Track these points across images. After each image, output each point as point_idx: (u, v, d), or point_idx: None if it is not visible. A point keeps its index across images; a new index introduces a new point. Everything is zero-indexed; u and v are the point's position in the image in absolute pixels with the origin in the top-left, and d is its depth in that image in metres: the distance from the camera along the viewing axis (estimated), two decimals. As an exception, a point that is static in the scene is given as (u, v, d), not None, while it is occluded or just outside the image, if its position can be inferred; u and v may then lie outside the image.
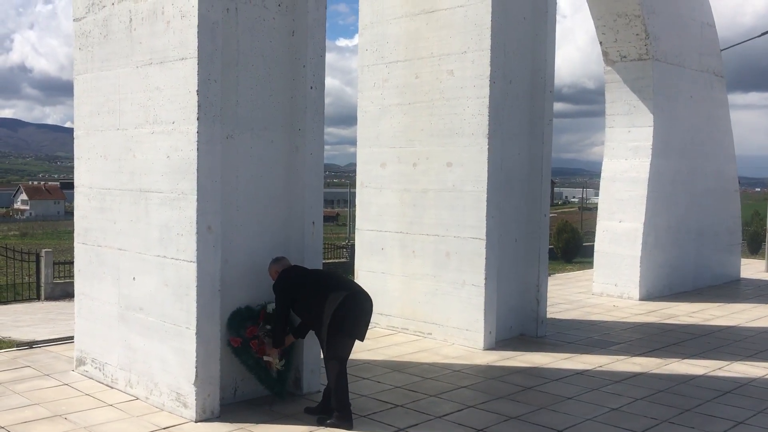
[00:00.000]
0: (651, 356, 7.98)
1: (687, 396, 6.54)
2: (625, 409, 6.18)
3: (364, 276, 9.33)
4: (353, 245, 11.44)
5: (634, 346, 8.51)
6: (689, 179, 12.72)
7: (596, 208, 13.80)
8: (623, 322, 10.00)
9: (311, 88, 6.29)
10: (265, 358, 5.97)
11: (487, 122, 8.05)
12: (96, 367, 6.66)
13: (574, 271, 16.29)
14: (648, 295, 11.83)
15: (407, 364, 7.53)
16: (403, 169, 8.89)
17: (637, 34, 11.74)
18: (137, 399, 6.13)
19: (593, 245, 12.71)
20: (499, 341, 8.40)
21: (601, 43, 12.19)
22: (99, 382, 6.58)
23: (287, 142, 6.33)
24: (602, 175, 12.52)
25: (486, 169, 8.08)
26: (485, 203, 8.09)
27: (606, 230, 12.27)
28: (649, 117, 11.91)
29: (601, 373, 7.31)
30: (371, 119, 9.22)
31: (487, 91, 8.05)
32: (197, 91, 5.55)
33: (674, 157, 12.35)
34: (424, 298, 8.68)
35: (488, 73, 8.04)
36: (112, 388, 6.40)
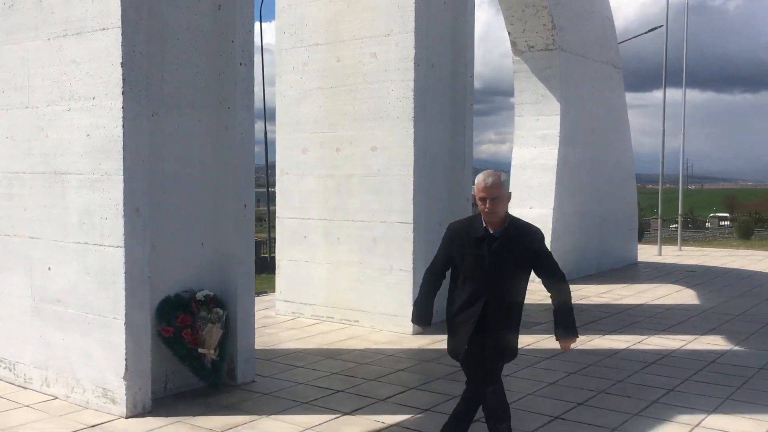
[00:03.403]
0: (574, 334, 8.20)
1: (616, 368, 6.75)
2: (562, 383, 6.30)
3: (286, 265, 9.10)
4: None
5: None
6: (592, 167, 13.23)
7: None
8: (541, 304, 10.16)
9: (240, 64, 6.01)
10: (200, 350, 5.66)
11: (413, 106, 8.02)
12: (5, 367, 6.09)
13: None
14: (558, 279, 12.20)
15: (339, 351, 7.38)
16: (325, 154, 8.71)
17: (544, 25, 12.08)
18: (56, 398, 5.65)
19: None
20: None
21: (509, 33, 12.47)
22: (9, 383, 6.02)
23: (216, 121, 6.02)
24: (512, 162, 12.82)
25: (412, 153, 8.04)
26: (412, 187, 8.05)
27: (519, 217, 12.52)
28: (556, 106, 12.28)
29: (532, 351, 7.44)
30: (291, 104, 8.98)
31: (411, 74, 8.01)
32: (121, 63, 5.18)
33: (579, 145, 12.80)
34: (350, 286, 8.54)
35: (413, 56, 8.00)
36: (25, 388, 5.88)
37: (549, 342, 7.80)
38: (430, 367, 6.79)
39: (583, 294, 11.06)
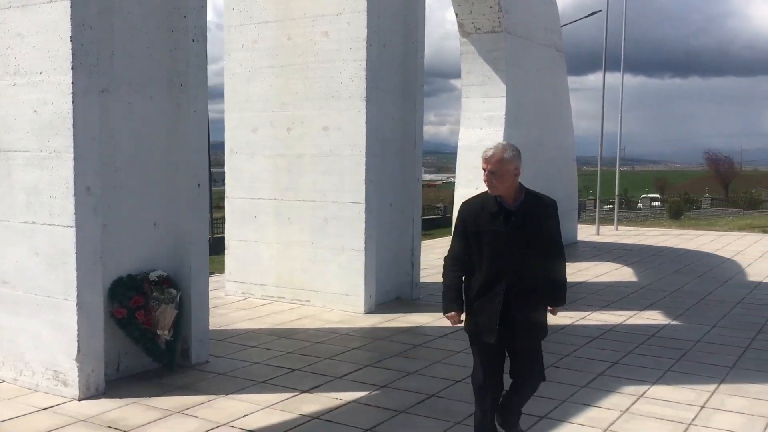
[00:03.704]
0: (521, 311, 8.42)
1: (563, 343, 6.96)
2: (512, 357, 6.47)
3: (236, 246, 9.02)
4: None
5: (503, 302, 8.93)
6: (536, 148, 13.47)
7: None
8: (487, 283, 10.45)
9: (193, 40, 5.90)
10: (158, 332, 5.59)
11: (365, 86, 8.02)
12: (-52, 352, 5.88)
13: (429, 239, 16.79)
14: (503, 258, 12.45)
15: (292, 330, 7.39)
16: (276, 133, 8.64)
17: (490, 7, 12.18)
18: (4, 381, 5.51)
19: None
20: (379, 304, 8.47)
21: (456, 14, 12.53)
22: (-48, 368, 5.82)
23: (169, 98, 5.91)
24: (459, 144, 12.96)
25: (364, 133, 8.05)
26: (364, 167, 8.08)
27: (464, 197, 12.62)
28: (502, 88, 12.44)
29: (481, 328, 7.60)
30: (240, 82, 8.86)
31: (364, 53, 8.01)
32: (71, 37, 5.02)
33: (524, 127, 13.02)
34: (301, 266, 8.53)
35: (365, 35, 7.99)
36: (-30, 373, 5.69)
37: (498, 319, 7.99)
38: (383, 345, 6.87)
39: (527, 272, 11.34)
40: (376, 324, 7.71)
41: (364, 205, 8.10)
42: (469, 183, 12.66)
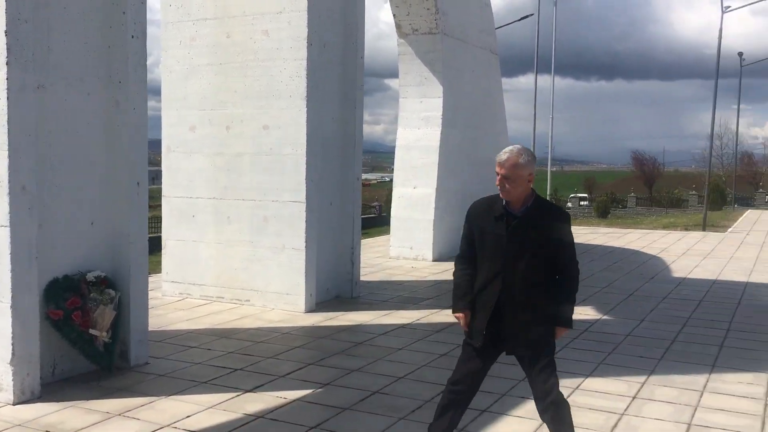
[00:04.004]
0: (459, 308, 8.59)
1: (501, 338, 7.15)
2: (453, 353, 6.59)
3: (173, 245, 8.88)
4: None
5: (441, 300, 9.08)
6: (472, 148, 13.75)
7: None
8: (425, 281, 10.63)
9: (132, 37, 5.80)
10: (91, 330, 5.48)
11: (305, 85, 8.03)
12: None
13: (366, 238, 16.89)
14: (440, 256, 12.64)
15: (232, 330, 7.34)
16: (215, 132, 8.56)
17: (427, 9, 12.36)
18: (-68, 389, 5.28)
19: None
20: (319, 303, 8.49)
21: (394, 15, 12.66)
22: None
23: (106, 95, 5.79)
24: (397, 143, 13.09)
25: (305, 132, 8.06)
26: (305, 166, 8.09)
27: (402, 196, 12.88)
28: (439, 88, 12.64)
29: (421, 325, 7.73)
30: (178, 79, 8.73)
31: (304, 53, 8.02)
32: (5, 31, 4.88)
33: (460, 127, 13.26)
34: (241, 265, 8.48)
35: (305, 35, 8.00)
36: None
37: (438, 316, 8.14)
38: (325, 344, 6.91)
39: (464, 270, 11.55)
40: (317, 323, 7.74)
41: (304, 204, 8.12)
42: (406, 182, 12.82)
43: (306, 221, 8.13)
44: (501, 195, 3.78)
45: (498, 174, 3.74)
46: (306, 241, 8.14)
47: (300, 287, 8.19)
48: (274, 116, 8.19)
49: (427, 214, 12.59)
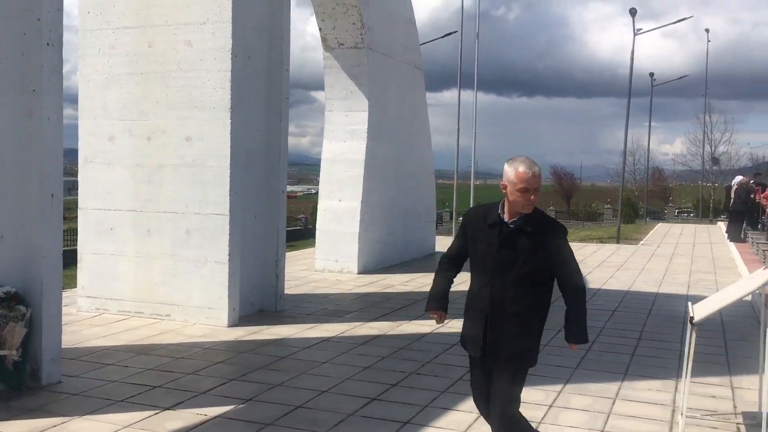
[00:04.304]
0: (383, 320, 8.65)
1: (424, 351, 7.25)
2: (376, 366, 6.65)
3: (90, 259, 8.60)
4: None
5: (366, 313, 9.13)
6: (397, 162, 13.90)
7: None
8: (350, 293, 10.65)
9: (47, 44, 5.62)
10: (5, 352, 5.24)
11: (229, 96, 7.96)
12: None
13: (292, 251, 16.78)
14: (365, 269, 12.70)
15: (152, 346, 7.16)
16: (135, 143, 8.36)
17: (353, 23, 12.47)
18: None
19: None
20: (242, 317, 8.38)
21: (320, 29, 12.70)
22: None
23: (19, 104, 5.58)
24: (323, 156, 13.10)
25: (228, 144, 7.98)
26: (228, 179, 8.00)
27: (327, 209, 12.87)
28: (364, 102, 12.74)
29: (345, 338, 7.74)
30: (96, 88, 8.49)
31: (228, 64, 7.95)
32: None
33: (385, 140, 13.39)
34: (161, 279, 8.28)
35: (230, 46, 7.94)
36: None
37: (362, 329, 8.17)
38: (248, 358, 6.83)
39: (388, 283, 11.65)
40: (240, 337, 7.64)
41: (228, 217, 8.02)
42: (332, 195, 12.84)
43: (229, 234, 8.03)
44: (524, 210, 3.69)
45: (526, 189, 3.63)
46: (229, 254, 8.04)
47: (223, 301, 8.07)
48: (197, 127, 8.08)
49: (352, 227, 12.62)
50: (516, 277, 3.70)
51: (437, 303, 4.00)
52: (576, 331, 3.85)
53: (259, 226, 8.84)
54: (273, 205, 8.98)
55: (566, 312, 3.85)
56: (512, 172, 3.68)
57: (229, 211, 8.01)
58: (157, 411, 5.29)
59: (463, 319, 3.98)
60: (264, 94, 8.82)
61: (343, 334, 7.90)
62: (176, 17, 8.11)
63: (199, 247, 8.10)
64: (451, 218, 21.01)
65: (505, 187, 3.72)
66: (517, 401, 3.85)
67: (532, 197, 3.66)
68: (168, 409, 5.34)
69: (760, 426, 4.91)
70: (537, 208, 3.78)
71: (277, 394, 5.76)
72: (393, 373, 6.41)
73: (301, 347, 7.28)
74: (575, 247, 19.19)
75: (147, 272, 8.34)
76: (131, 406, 5.38)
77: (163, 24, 8.17)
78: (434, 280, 4.06)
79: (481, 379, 3.93)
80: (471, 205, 23.08)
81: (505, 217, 3.75)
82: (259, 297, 8.94)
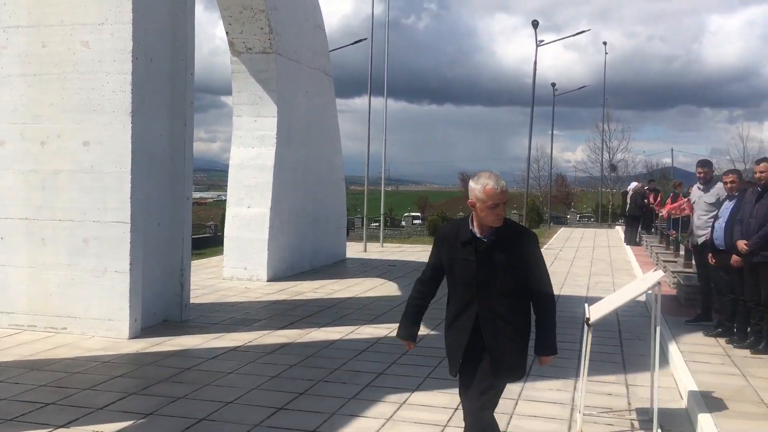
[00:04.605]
0: (292, 328, 8.56)
1: (332, 357, 7.22)
2: (284, 375, 6.57)
3: (-23, 270, 8.10)
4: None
5: (275, 321, 9.02)
6: (306, 168, 13.83)
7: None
8: (259, 302, 10.49)
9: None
10: None
11: (130, 100, 7.70)
12: None
13: (200, 258, 16.40)
14: (274, 276, 12.54)
15: (46, 361, 6.81)
16: (28, 147, 7.95)
17: (261, 28, 12.33)
18: None
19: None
20: (145, 328, 8.11)
21: (227, 33, 12.50)
22: None
23: None
24: (231, 162, 12.88)
25: (129, 149, 7.71)
26: (129, 185, 7.73)
27: (235, 216, 12.65)
28: (273, 108, 12.61)
29: (253, 347, 7.61)
30: (-16, 90, 8.02)
31: (129, 66, 7.69)
32: None
33: (294, 146, 13.29)
34: (57, 290, 7.90)
35: (130, 48, 7.69)
36: None
37: (270, 338, 8.06)
38: (149, 371, 6.60)
39: (298, 290, 11.55)
40: (141, 349, 7.38)
41: (129, 225, 7.74)
42: (240, 202, 12.64)
43: (131, 242, 7.75)
44: (494, 224, 3.69)
45: (495, 204, 3.64)
46: (131, 264, 7.76)
47: (123, 312, 7.78)
48: (95, 132, 7.76)
49: (261, 233, 12.45)
50: (501, 290, 3.70)
51: (408, 333, 4.02)
52: (546, 344, 3.84)
53: (162, 234, 8.58)
54: (178, 212, 8.73)
55: (536, 321, 3.82)
56: (480, 189, 3.67)
57: (131, 219, 7.74)
58: (49, 429, 5.03)
59: (445, 337, 3.94)
60: (167, 97, 8.58)
61: (250, 343, 7.76)
62: (72, 17, 7.78)
63: (97, 257, 7.78)
64: (363, 224, 21.06)
65: (474, 205, 3.71)
66: (495, 405, 3.89)
67: (502, 212, 3.69)
68: (61, 427, 5.09)
69: (652, 421, 5.16)
70: (507, 219, 3.79)
71: (180, 407, 5.60)
72: (301, 382, 6.35)
73: (206, 358, 7.11)
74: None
75: (41, 283, 7.94)
76: (21, 425, 5.10)
77: (58, 24, 7.82)
78: (406, 308, 4.04)
79: (469, 383, 3.87)
80: (382, 212, 23.24)
81: (477, 233, 3.74)
82: (163, 307, 8.67)
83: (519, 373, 3.87)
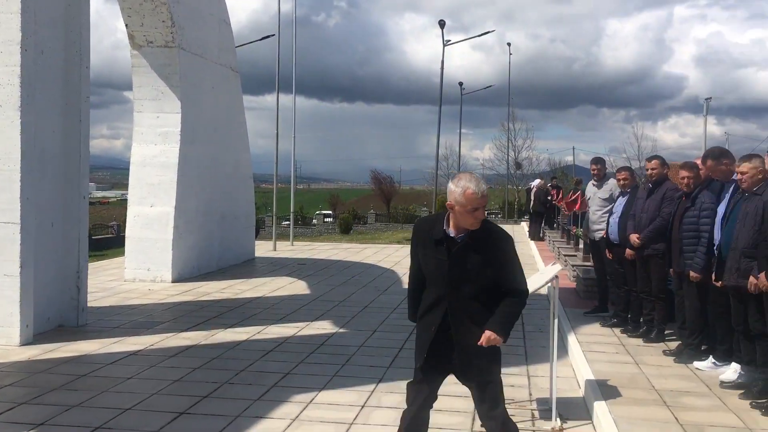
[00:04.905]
0: (197, 330, 8.34)
1: (238, 359, 7.07)
2: (187, 378, 6.39)
3: None
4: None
5: (179, 323, 8.76)
6: (213, 166, 13.52)
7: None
8: (162, 303, 10.17)
9: None
10: None
11: (19, 94, 7.30)
12: None
13: (101, 260, 15.76)
14: (180, 277, 12.21)
15: (-74, 372, 6.37)
16: None
17: (163, 21, 11.95)
18: None
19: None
20: (38, 334, 7.70)
21: (127, 25, 12.05)
22: None
23: None
24: (132, 159, 12.43)
25: (19, 145, 7.31)
26: (19, 183, 7.32)
27: (137, 215, 12.22)
28: (176, 104, 12.26)
29: (155, 350, 7.37)
30: None
31: (18, 59, 7.29)
32: None
33: (200, 144, 12.97)
34: (-61, 296, 7.39)
35: (19, 39, 7.29)
36: None
37: (173, 340, 7.83)
38: (42, 379, 6.28)
39: (204, 291, 11.28)
40: (34, 356, 7.01)
41: (19, 225, 7.33)
42: (143, 200, 12.22)
43: (21, 244, 7.34)
44: (473, 227, 3.61)
45: (476, 207, 3.56)
46: (21, 267, 7.35)
47: (14, 317, 7.36)
48: (-20, 127, 7.31)
49: (165, 233, 12.08)
50: (471, 289, 3.65)
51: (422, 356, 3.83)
52: (500, 323, 3.65)
53: (57, 235, 8.18)
54: (73, 212, 8.34)
55: (500, 306, 3.68)
56: (460, 192, 3.57)
57: (21, 219, 7.33)
58: (-72, 445, 4.70)
59: (416, 325, 3.91)
60: (60, 92, 8.17)
61: (152, 347, 7.51)
62: (-46, 4, 7.29)
63: (-16, 260, 7.33)
64: (272, 223, 20.79)
65: (452, 207, 3.61)
66: (503, 401, 3.85)
67: (480, 215, 3.62)
68: (-58, 442, 4.77)
69: (551, 411, 5.32)
70: (485, 220, 3.71)
71: (74, 415, 5.34)
72: (205, 385, 6.19)
73: (104, 363, 6.82)
74: (392, 249, 19.79)
75: None
76: None
77: (-62, 11, 7.31)
78: (409, 301, 4.02)
79: (421, 381, 3.86)
80: (292, 210, 23.04)
81: (452, 232, 3.67)
82: (58, 311, 8.27)
83: (489, 376, 3.77)
